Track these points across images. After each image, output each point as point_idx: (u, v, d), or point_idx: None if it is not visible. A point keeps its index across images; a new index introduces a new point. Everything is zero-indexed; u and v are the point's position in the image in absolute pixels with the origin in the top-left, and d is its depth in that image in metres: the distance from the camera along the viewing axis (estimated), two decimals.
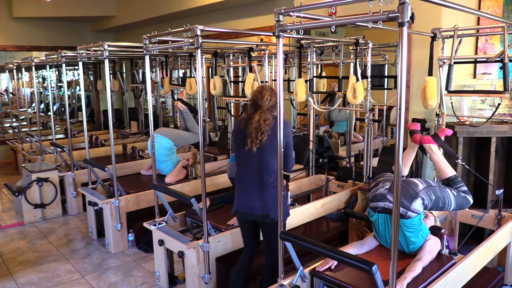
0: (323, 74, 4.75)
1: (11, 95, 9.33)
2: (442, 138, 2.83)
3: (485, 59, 3.40)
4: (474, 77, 3.91)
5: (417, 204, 2.50)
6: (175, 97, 5.13)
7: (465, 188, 2.70)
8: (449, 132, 2.86)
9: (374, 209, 2.62)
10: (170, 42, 3.19)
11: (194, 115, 4.77)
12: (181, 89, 5.10)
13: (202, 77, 2.86)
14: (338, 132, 5.58)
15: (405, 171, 2.93)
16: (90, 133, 6.58)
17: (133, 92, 7.36)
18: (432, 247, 2.53)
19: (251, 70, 4.65)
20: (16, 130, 7.63)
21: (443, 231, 2.65)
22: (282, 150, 2.27)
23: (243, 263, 2.78)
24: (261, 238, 2.78)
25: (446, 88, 3.25)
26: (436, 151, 2.80)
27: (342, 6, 4.37)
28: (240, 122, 2.65)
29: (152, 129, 3.58)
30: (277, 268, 2.65)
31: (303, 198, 4.30)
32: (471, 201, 2.69)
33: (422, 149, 2.87)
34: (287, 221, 2.81)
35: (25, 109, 10.08)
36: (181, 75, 6.52)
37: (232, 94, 5.12)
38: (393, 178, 2.59)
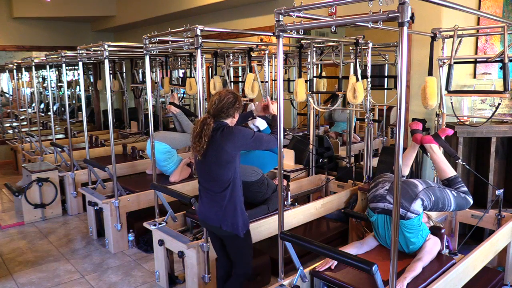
0: (323, 74, 4.75)
1: (10, 96, 9.33)
2: (443, 137, 2.83)
3: (485, 59, 3.40)
4: (474, 77, 3.91)
5: (417, 205, 2.49)
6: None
7: (465, 188, 2.70)
8: (450, 131, 2.86)
9: (373, 210, 2.62)
10: (170, 42, 3.19)
11: (190, 117, 4.75)
12: (181, 90, 5.10)
13: (202, 77, 2.86)
14: (336, 132, 5.59)
15: (406, 171, 2.93)
16: (90, 133, 6.58)
17: (133, 92, 7.36)
18: (432, 247, 2.53)
19: (251, 70, 4.65)
20: (16, 130, 7.62)
21: (443, 231, 2.65)
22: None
23: (220, 275, 2.69)
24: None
25: (446, 88, 3.25)
26: (437, 151, 2.80)
27: (342, 6, 4.37)
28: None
29: (152, 129, 3.58)
30: (242, 284, 2.53)
31: (303, 198, 4.30)
32: (471, 201, 2.68)
33: (423, 148, 2.87)
34: (286, 221, 2.70)
35: (25, 109, 10.07)
36: (181, 75, 6.52)
37: None
38: (393, 179, 2.60)
